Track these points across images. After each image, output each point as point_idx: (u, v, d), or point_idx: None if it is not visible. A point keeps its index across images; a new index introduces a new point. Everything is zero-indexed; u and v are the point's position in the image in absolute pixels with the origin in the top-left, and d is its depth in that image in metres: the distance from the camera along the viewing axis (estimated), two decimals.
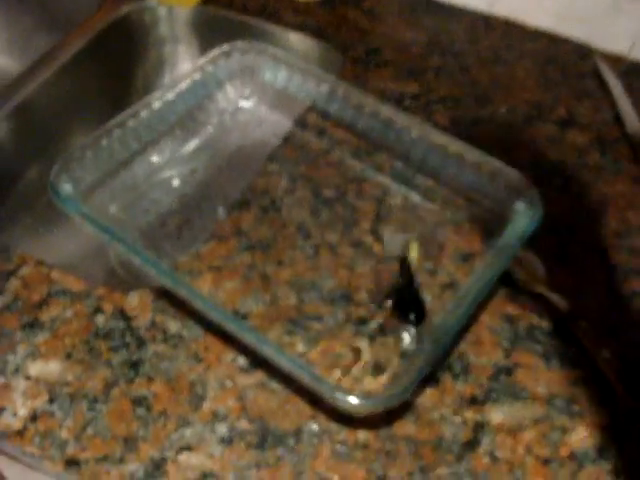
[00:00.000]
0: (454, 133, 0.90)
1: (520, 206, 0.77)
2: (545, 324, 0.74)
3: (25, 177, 1.02)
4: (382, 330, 0.72)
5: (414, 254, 0.77)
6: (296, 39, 1.07)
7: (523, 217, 0.76)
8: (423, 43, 1.07)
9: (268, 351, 0.64)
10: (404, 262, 0.77)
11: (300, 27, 1.08)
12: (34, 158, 1.03)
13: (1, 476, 0.99)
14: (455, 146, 0.81)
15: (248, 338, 0.65)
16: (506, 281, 0.77)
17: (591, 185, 0.88)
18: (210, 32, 1.14)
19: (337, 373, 0.69)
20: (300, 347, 0.71)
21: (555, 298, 0.75)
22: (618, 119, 0.96)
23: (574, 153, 0.91)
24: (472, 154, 0.81)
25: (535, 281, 0.77)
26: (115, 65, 1.13)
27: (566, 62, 1.05)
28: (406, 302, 0.74)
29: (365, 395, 0.66)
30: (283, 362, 0.64)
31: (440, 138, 0.82)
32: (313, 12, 1.11)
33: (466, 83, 1.01)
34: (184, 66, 1.20)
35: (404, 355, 0.70)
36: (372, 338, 0.72)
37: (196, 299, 0.67)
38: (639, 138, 0.93)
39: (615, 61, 1.05)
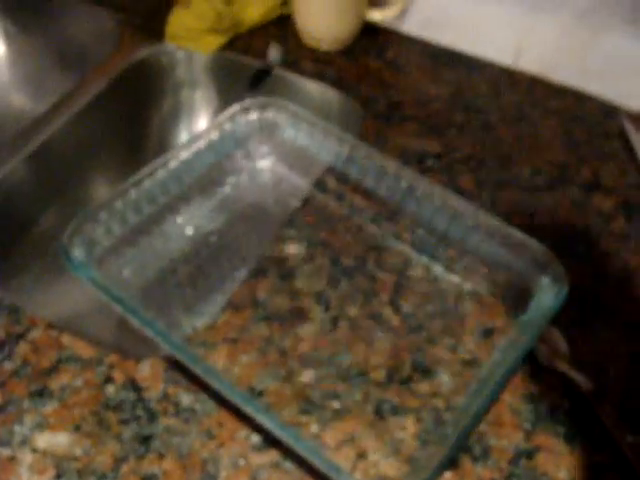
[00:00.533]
0: (478, 196, 0.89)
1: (545, 281, 0.75)
2: (567, 404, 0.72)
3: (38, 223, 1.00)
4: (399, 410, 0.70)
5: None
6: (316, 89, 1.06)
7: (548, 292, 0.74)
8: (446, 97, 1.05)
9: (283, 435, 0.62)
10: None
11: (320, 76, 1.07)
12: (48, 204, 1.01)
13: None
14: (479, 215, 0.79)
15: (264, 421, 0.63)
16: (528, 357, 0.74)
17: (616, 253, 0.86)
18: (228, 78, 1.13)
19: (353, 456, 0.67)
20: (315, 427, 0.68)
21: (578, 377, 0.73)
22: None
23: (599, 219, 0.89)
24: (496, 225, 0.78)
25: (558, 358, 0.75)
26: (132, 109, 1.12)
27: (592, 121, 1.03)
28: None
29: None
30: (298, 447, 0.62)
31: (463, 206, 0.80)
32: (334, 62, 1.10)
33: (489, 142, 0.99)
34: (201, 111, 1.18)
35: (424, 438, 0.68)
36: (389, 418, 0.70)
37: (211, 377, 0.65)
38: None
39: None
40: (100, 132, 1.07)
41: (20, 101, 1.25)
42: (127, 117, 1.11)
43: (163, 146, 1.13)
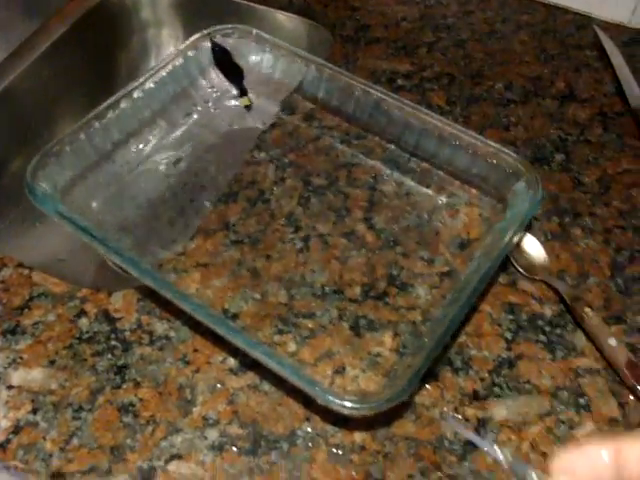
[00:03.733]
0: (450, 112, 0.88)
1: (519, 189, 0.74)
2: (548, 312, 0.72)
3: (8, 170, 0.99)
4: (376, 325, 0.69)
5: None
6: (284, 19, 1.04)
7: (523, 201, 0.73)
8: (415, 18, 1.03)
9: (259, 354, 0.61)
10: None
11: (288, 6, 1.05)
12: (17, 150, 1.00)
13: None
14: (450, 128, 0.78)
15: (238, 341, 0.62)
16: (506, 267, 0.74)
17: (593, 162, 0.85)
18: (195, 14, 1.11)
19: (330, 372, 0.66)
20: (291, 346, 0.68)
21: (558, 284, 0.72)
22: (620, 92, 0.93)
23: (575, 129, 0.88)
24: (468, 136, 0.77)
25: (536, 266, 0.74)
26: (98, 51, 1.10)
27: (564, 33, 1.01)
28: None
29: (361, 397, 0.63)
30: (274, 365, 0.61)
31: (434, 120, 0.79)
32: None
33: (461, 59, 0.97)
34: (169, 49, 1.16)
35: (401, 350, 0.68)
36: (366, 334, 0.69)
37: (182, 300, 0.64)
38: None
39: (615, 30, 1.01)
40: (65, 76, 1.05)
41: None
42: (93, 60, 1.09)
43: None
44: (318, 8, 1.05)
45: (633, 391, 0.66)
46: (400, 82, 0.93)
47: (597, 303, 0.72)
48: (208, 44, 0.87)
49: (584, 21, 1.03)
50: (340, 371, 0.66)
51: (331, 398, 0.58)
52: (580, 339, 0.70)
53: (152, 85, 0.81)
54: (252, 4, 1.05)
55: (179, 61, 0.84)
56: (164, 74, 0.82)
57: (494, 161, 0.76)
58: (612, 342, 0.68)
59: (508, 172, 0.75)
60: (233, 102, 0.89)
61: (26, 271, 0.74)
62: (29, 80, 0.98)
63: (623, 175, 0.83)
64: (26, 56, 0.98)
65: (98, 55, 1.10)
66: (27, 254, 0.78)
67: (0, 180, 0.98)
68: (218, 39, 0.87)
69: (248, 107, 0.88)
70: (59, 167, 0.74)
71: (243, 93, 0.89)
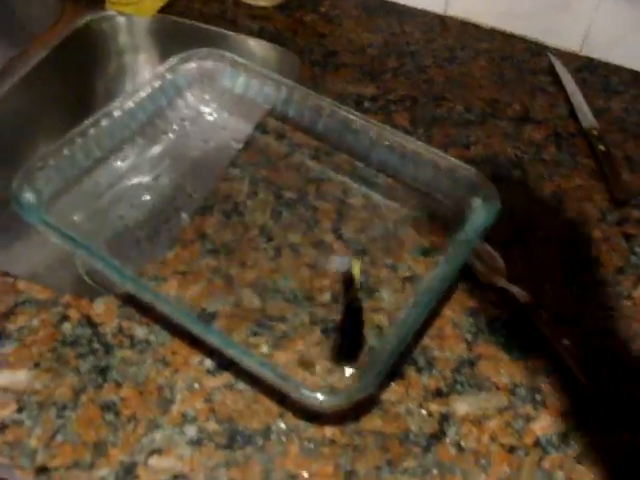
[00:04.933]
0: (413, 133, 0.93)
1: (477, 201, 0.79)
2: (506, 316, 0.76)
3: None
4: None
5: (357, 272, 0.78)
6: (255, 45, 1.08)
7: (481, 212, 0.78)
8: (380, 45, 1.08)
9: (234, 352, 0.65)
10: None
11: (259, 32, 1.09)
12: None
13: None
14: (413, 145, 0.83)
15: (214, 340, 0.66)
16: (467, 275, 0.78)
17: (548, 179, 0.90)
18: (170, 40, 1.15)
19: (302, 372, 0.70)
20: (265, 348, 0.71)
21: (515, 290, 0.77)
22: (573, 114, 0.98)
23: (531, 148, 0.93)
24: (429, 153, 0.82)
25: (495, 274, 0.78)
26: (76, 75, 1.13)
27: (520, 60, 1.07)
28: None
29: (330, 391, 0.67)
30: (249, 363, 0.65)
31: (398, 138, 0.84)
32: (271, 17, 1.12)
33: (423, 83, 1.02)
34: (145, 74, 1.20)
35: (369, 350, 0.72)
36: (335, 336, 0.73)
37: (160, 302, 0.68)
38: (593, 132, 0.95)
39: (568, 58, 1.08)
40: (45, 99, 1.08)
41: None
42: (72, 84, 1.13)
43: None
44: (288, 35, 1.09)
45: (586, 388, 0.70)
46: (366, 104, 0.97)
47: (552, 308, 0.76)
48: (184, 67, 0.91)
49: (539, 49, 1.09)
50: (311, 370, 0.70)
51: (304, 391, 0.62)
52: (536, 341, 0.74)
53: (132, 105, 0.85)
54: (224, 31, 1.09)
55: (157, 83, 0.88)
56: (143, 95, 0.87)
57: (454, 175, 0.81)
58: (565, 343, 0.72)
59: (467, 186, 0.80)
60: (209, 122, 0.94)
61: (11, 279, 0.77)
62: (8, 104, 1.01)
63: (576, 190, 0.89)
64: (6, 80, 1.01)
65: (77, 79, 1.13)
66: (7, 267, 0.80)
67: None
68: (194, 63, 0.91)
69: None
70: (44, 180, 0.78)
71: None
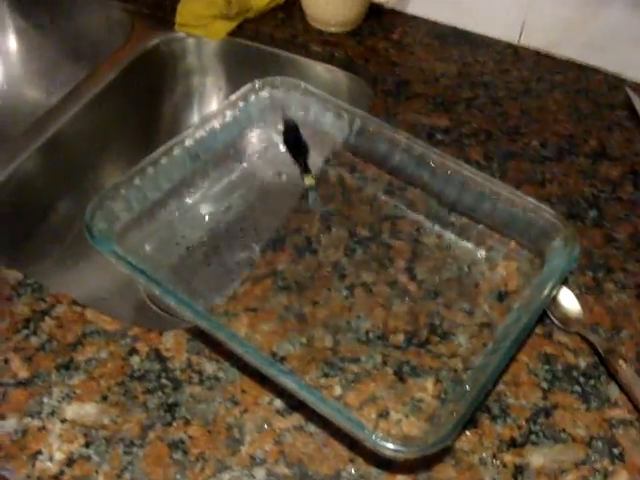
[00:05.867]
0: (487, 167, 0.91)
1: (556, 244, 0.77)
2: (583, 363, 0.74)
3: (56, 210, 1.02)
4: (419, 371, 0.72)
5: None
6: (325, 71, 1.08)
7: (560, 255, 0.76)
8: (453, 74, 1.07)
9: (307, 396, 0.64)
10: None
11: (329, 59, 1.08)
12: (65, 191, 1.04)
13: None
14: (490, 184, 0.81)
15: (287, 382, 0.65)
16: (542, 319, 0.76)
17: (625, 219, 0.87)
18: (239, 64, 1.15)
19: (374, 416, 0.68)
20: (337, 389, 0.70)
21: (592, 337, 0.75)
22: None
23: (608, 186, 0.91)
24: (506, 192, 0.80)
25: (572, 319, 0.76)
26: (144, 96, 1.14)
27: (597, 93, 1.05)
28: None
29: (405, 440, 0.65)
30: (322, 407, 0.63)
31: (474, 175, 0.82)
32: (342, 43, 1.11)
33: (497, 116, 1.00)
34: (212, 97, 1.20)
35: (443, 397, 0.70)
36: (409, 379, 0.71)
37: (234, 342, 0.67)
38: None
39: None
40: (113, 121, 1.09)
41: (34, 95, 1.27)
42: (139, 105, 1.13)
43: (175, 132, 1.14)
44: (360, 62, 1.08)
45: None
46: (439, 137, 0.96)
47: (630, 355, 0.74)
48: (256, 96, 0.90)
49: (616, 82, 1.07)
50: (384, 415, 0.69)
51: (378, 440, 0.61)
52: (614, 390, 0.72)
53: (204, 134, 0.85)
54: (294, 56, 1.09)
55: (230, 111, 0.87)
56: (215, 124, 0.86)
57: (532, 216, 0.79)
58: None
59: (546, 227, 0.78)
60: (281, 154, 0.93)
61: (79, 308, 0.77)
62: (78, 125, 1.01)
63: None
64: (76, 101, 1.01)
65: (144, 101, 1.14)
66: (70, 292, 0.81)
67: (48, 220, 1.01)
68: (266, 92, 0.91)
69: (312, 188, 0.87)
70: (115, 210, 0.78)
71: (306, 171, 0.90)
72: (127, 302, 0.92)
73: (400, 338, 0.75)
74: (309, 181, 0.87)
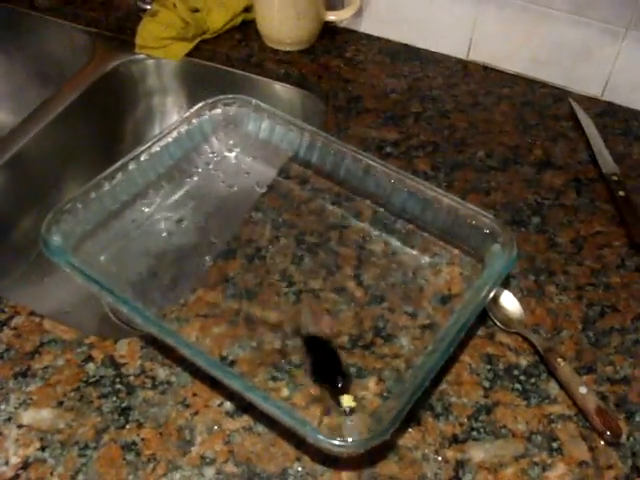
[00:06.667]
0: (434, 178, 0.94)
1: (495, 248, 0.80)
2: (523, 362, 0.76)
3: (19, 227, 1.05)
4: (363, 372, 0.74)
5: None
6: (280, 89, 1.11)
7: (499, 259, 0.78)
8: (403, 90, 1.10)
9: (254, 397, 0.66)
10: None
11: (284, 77, 1.12)
12: (28, 209, 1.06)
13: None
14: (431, 192, 0.84)
15: (235, 385, 0.67)
16: (484, 321, 0.79)
17: (568, 224, 0.90)
18: (197, 83, 1.17)
19: (319, 414, 0.71)
20: (285, 391, 0.73)
21: (533, 336, 0.77)
22: (593, 159, 0.99)
23: (551, 194, 0.94)
24: (448, 199, 0.83)
25: (513, 320, 0.79)
26: (106, 116, 1.16)
27: (542, 105, 1.08)
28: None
29: (347, 436, 0.68)
30: (268, 407, 0.65)
31: (417, 184, 0.85)
32: (296, 62, 1.15)
33: (445, 128, 1.04)
34: (173, 116, 1.23)
35: (385, 395, 0.73)
36: (354, 380, 0.74)
37: (182, 346, 0.69)
38: (614, 178, 0.95)
39: (589, 103, 1.09)
40: (75, 140, 1.11)
41: (1, 117, 1.29)
42: (102, 124, 1.16)
43: None
44: (313, 80, 1.11)
45: (602, 436, 0.70)
46: (388, 149, 0.99)
47: (569, 354, 0.77)
48: (210, 113, 0.93)
49: (561, 94, 1.10)
50: (328, 413, 0.71)
51: (320, 437, 0.63)
52: (553, 388, 0.74)
53: (158, 149, 0.87)
54: (250, 75, 1.12)
55: (184, 127, 0.90)
56: (170, 139, 0.89)
57: (473, 222, 0.82)
58: (583, 390, 0.72)
59: (486, 233, 0.81)
60: (233, 167, 0.96)
61: (37, 319, 0.79)
62: (41, 143, 1.04)
63: (595, 236, 0.89)
64: (39, 121, 1.04)
65: (106, 120, 1.16)
66: (34, 306, 0.83)
67: (11, 237, 1.03)
68: (220, 109, 0.94)
69: (351, 410, 0.72)
70: (71, 223, 0.80)
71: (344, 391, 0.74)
72: (90, 315, 0.94)
73: (345, 340, 0.77)
74: (348, 403, 0.72)
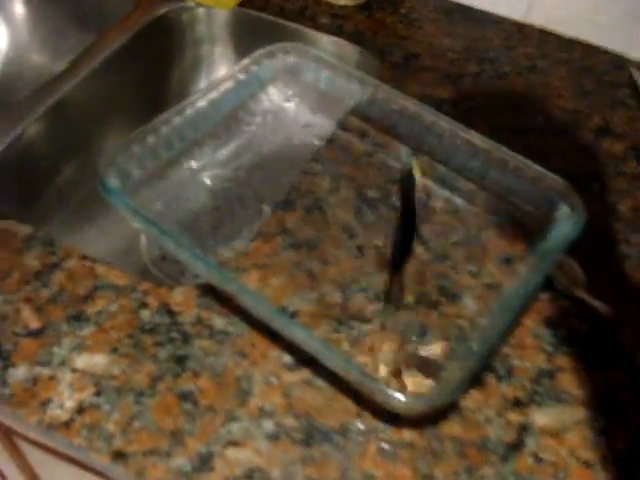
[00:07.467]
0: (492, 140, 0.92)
1: (563, 211, 0.78)
2: (586, 328, 0.75)
3: (62, 174, 1.03)
4: (427, 331, 0.73)
5: (417, 172, 0.78)
6: (333, 43, 1.08)
7: (566, 222, 0.77)
8: (460, 49, 1.07)
9: (317, 347, 0.65)
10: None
11: (337, 31, 1.09)
12: (70, 156, 1.04)
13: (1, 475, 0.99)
14: (498, 151, 0.82)
15: (297, 334, 0.65)
16: (547, 285, 0.77)
17: (628, 192, 0.89)
18: (248, 34, 1.15)
19: (383, 372, 0.69)
20: (346, 346, 0.71)
21: (596, 303, 0.76)
22: None
23: (610, 161, 0.92)
24: (515, 160, 0.81)
25: (576, 286, 0.78)
26: (152, 64, 1.14)
27: (600, 71, 1.06)
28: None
29: (414, 394, 0.66)
30: (332, 359, 0.64)
31: (483, 143, 0.83)
32: (351, 16, 1.12)
33: (502, 91, 1.01)
34: (220, 67, 1.21)
35: (450, 355, 0.71)
36: (417, 338, 0.72)
37: (245, 295, 0.68)
38: None
39: None
40: (119, 88, 1.09)
41: (40, 61, 1.26)
42: (147, 72, 1.13)
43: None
44: (368, 35, 1.09)
45: None
46: (445, 109, 0.96)
47: (633, 323, 0.75)
48: (269, 61, 0.91)
49: (620, 61, 1.08)
50: (393, 372, 0.70)
51: (389, 392, 0.62)
52: (615, 355, 0.73)
53: (216, 95, 0.85)
54: (303, 28, 1.09)
55: (242, 75, 0.88)
56: (228, 86, 0.86)
57: (539, 184, 0.80)
58: None
59: (553, 195, 0.79)
60: (291, 117, 0.94)
61: (89, 263, 0.78)
62: (85, 90, 1.01)
63: None
64: (83, 67, 1.01)
65: (152, 68, 1.14)
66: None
67: (53, 184, 1.01)
68: (279, 57, 0.91)
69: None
70: (128, 166, 0.78)
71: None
72: (129, 267, 0.92)
73: (409, 298, 0.75)
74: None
